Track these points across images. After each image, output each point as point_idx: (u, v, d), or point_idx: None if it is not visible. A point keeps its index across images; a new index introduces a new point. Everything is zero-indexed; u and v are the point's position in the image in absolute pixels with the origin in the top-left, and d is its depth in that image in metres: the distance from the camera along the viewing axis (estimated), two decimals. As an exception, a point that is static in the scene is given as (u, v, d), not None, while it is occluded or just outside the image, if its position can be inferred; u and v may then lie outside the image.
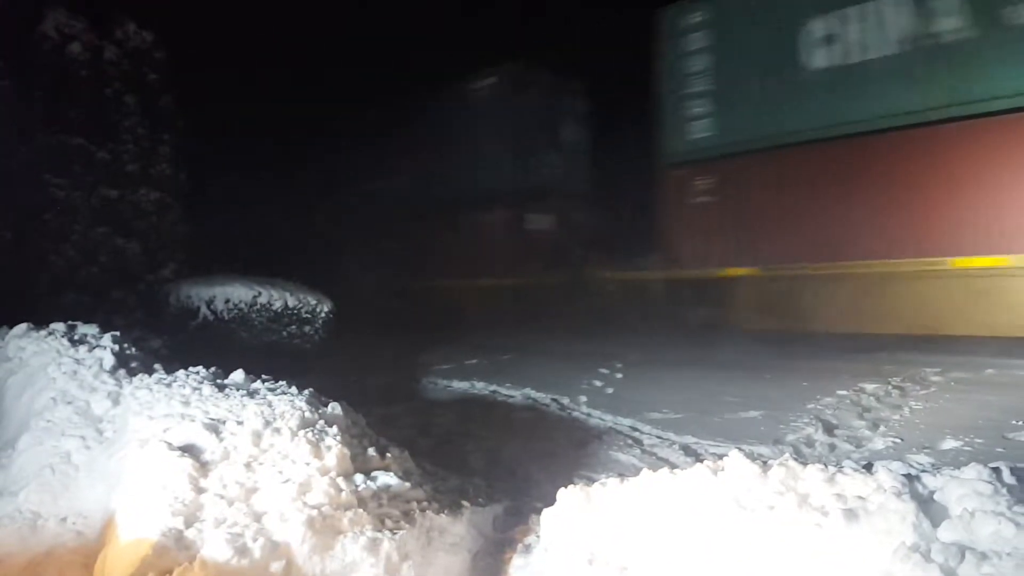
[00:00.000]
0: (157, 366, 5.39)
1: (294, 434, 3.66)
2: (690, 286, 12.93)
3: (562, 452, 5.66)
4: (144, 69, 10.77)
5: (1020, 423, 5.81)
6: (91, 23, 10.20)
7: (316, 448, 3.57)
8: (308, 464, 3.45)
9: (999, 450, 5.21)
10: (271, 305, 9.64)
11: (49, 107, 9.73)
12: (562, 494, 3.50)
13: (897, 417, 6.41)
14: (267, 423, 3.78)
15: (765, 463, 3.30)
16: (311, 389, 4.80)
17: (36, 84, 9.74)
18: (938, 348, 9.71)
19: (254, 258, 12.17)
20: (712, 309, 12.53)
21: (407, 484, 3.69)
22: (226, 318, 9.42)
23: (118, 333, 6.12)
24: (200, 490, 3.22)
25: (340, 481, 3.38)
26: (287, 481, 3.30)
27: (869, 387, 7.48)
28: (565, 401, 7.63)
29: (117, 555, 2.98)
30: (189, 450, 3.50)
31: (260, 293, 9.61)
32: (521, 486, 4.82)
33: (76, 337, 5.92)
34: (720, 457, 3.49)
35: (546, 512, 3.54)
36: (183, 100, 11.34)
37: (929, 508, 2.75)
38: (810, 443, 5.70)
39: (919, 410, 6.61)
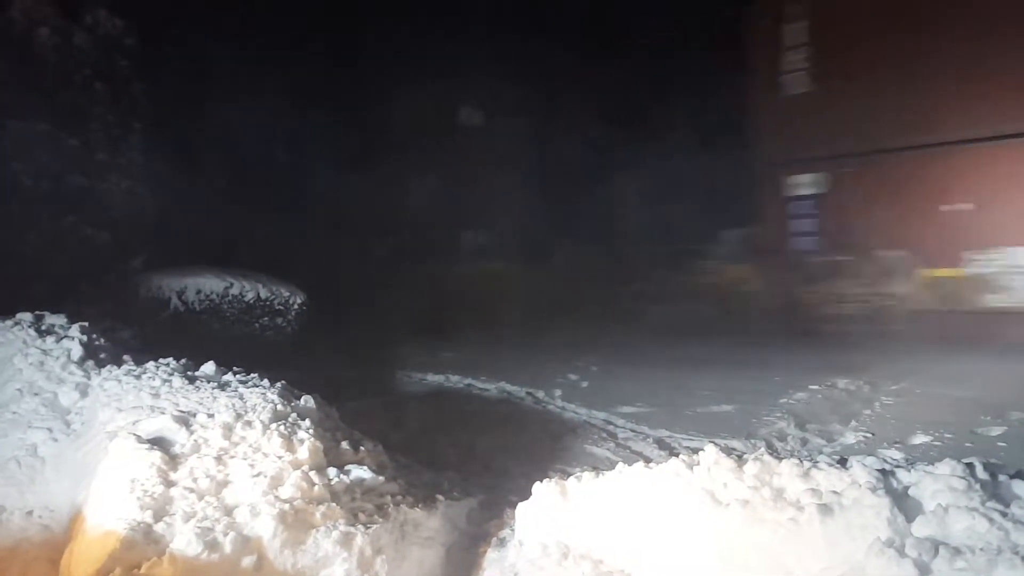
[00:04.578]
0: (126, 357, 5.30)
1: (266, 427, 3.62)
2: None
3: (537, 445, 5.65)
4: (114, 55, 10.59)
5: (988, 418, 5.88)
6: (60, 8, 10.01)
7: (288, 441, 3.53)
8: (280, 457, 3.41)
9: (968, 445, 5.28)
10: (243, 296, 9.54)
11: (16, 93, 9.54)
12: (537, 488, 3.49)
13: (868, 412, 6.47)
14: (238, 416, 3.73)
15: (740, 457, 3.30)
16: (283, 382, 4.75)
17: (3, 70, 9.55)
18: (909, 345, 9.82)
19: (227, 249, 12.03)
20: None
21: (381, 478, 3.66)
22: (197, 309, 9.32)
23: (87, 324, 6.00)
24: (170, 483, 3.17)
25: (313, 475, 3.34)
26: (259, 475, 3.26)
27: (841, 382, 7.54)
28: (540, 395, 7.62)
29: (84, 549, 2.93)
30: (158, 443, 3.45)
31: (232, 284, 9.51)
32: (496, 480, 4.80)
33: (43, 327, 5.80)
34: (694, 451, 3.50)
35: (521, 506, 3.53)
36: (154, 87, 11.17)
37: (904, 503, 2.77)
38: (782, 437, 5.74)
39: (890, 405, 6.67)
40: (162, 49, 11.89)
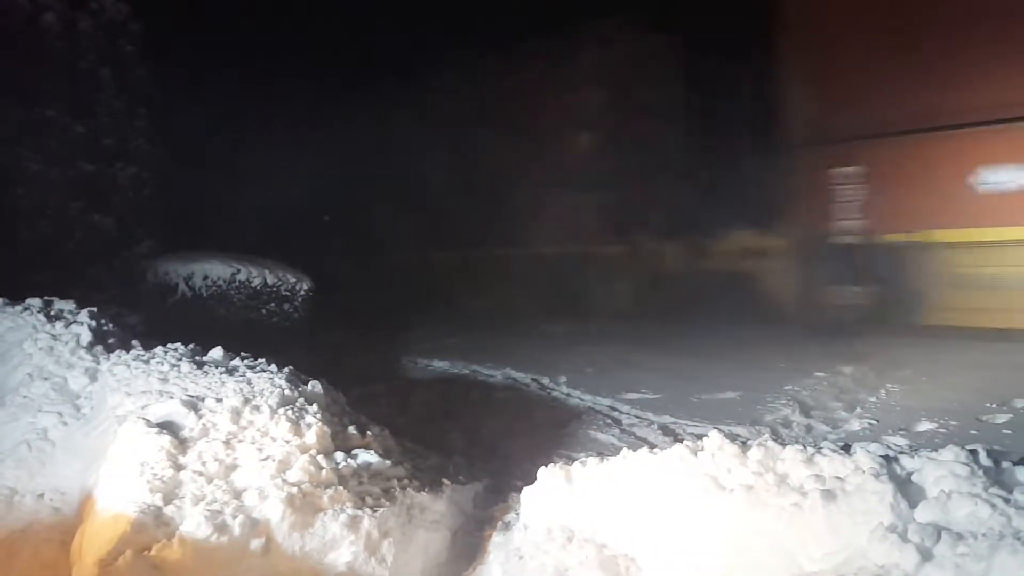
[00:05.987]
0: (135, 342, 5.34)
1: (274, 412, 3.64)
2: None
3: (541, 431, 5.68)
4: (120, 41, 10.59)
5: (993, 406, 5.88)
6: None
7: (296, 426, 3.55)
8: (288, 442, 3.44)
9: (973, 432, 5.28)
10: (250, 282, 9.58)
11: (22, 80, 9.55)
12: (542, 472, 3.51)
13: (874, 399, 6.47)
14: (246, 400, 3.75)
15: (744, 443, 3.32)
16: (291, 367, 4.77)
17: (9, 56, 9.55)
18: (915, 331, 9.80)
19: (234, 234, 12.07)
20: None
21: (387, 462, 3.68)
22: (204, 295, 9.36)
23: (95, 309, 6.04)
24: (179, 467, 3.20)
25: (320, 459, 3.37)
26: (267, 459, 3.28)
27: (846, 369, 7.54)
28: (545, 381, 7.64)
29: (95, 532, 2.96)
30: (167, 427, 3.47)
31: (239, 270, 9.55)
32: (501, 464, 4.83)
33: (52, 313, 5.84)
34: (698, 437, 3.52)
35: (526, 490, 3.56)
36: (160, 72, 11.17)
37: (907, 489, 2.79)
38: (787, 424, 5.75)
39: (895, 392, 6.67)
40: (168, 32, 11.88)
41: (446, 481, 3.88)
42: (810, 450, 3.13)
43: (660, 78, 14.62)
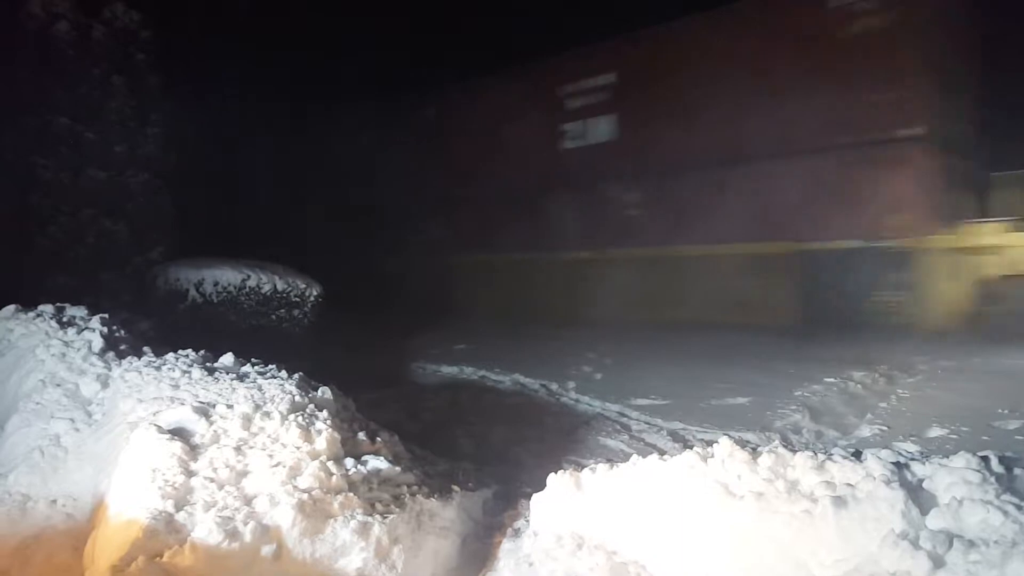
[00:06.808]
0: (146, 349, 5.37)
1: (284, 418, 3.65)
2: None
3: (551, 437, 5.67)
4: (132, 49, 10.66)
5: (1005, 412, 5.85)
6: (78, 2, 10.09)
7: (306, 432, 3.57)
8: (298, 448, 3.45)
9: (984, 438, 5.25)
10: (260, 288, 9.59)
11: (35, 87, 9.63)
12: (552, 479, 3.52)
13: (884, 405, 6.45)
14: (257, 407, 3.77)
15: (754, 450, 3.32)
16: (301, 373, 4.79)
17: (22, 64, 9.63)
18: (925, 338, 9.77)
19: (244, 241, 12.10)
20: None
21: (397, 468, 3.69)
22: (215, 301, 9.38)
23: (107, 315, 6.08)
24: (190, 473, 3.21)
25: (330, 465, 3.38)
26: (277, 465, 3.29)
27: (856, 375, 7.52)
28: (554, 387, 7.63)
29: (107, 538, 2.97)
30: (179, 433, 3.49)
31: (249, 276, 9.56)
32: (510, 471, 4.83)
33: (64, 319, 5.88)
34: (708, 443, 3.51)
35: (535, 497, 3.56)
36: (172, 80, 11.24)
37: (918, 496, 2.78)
38: (797, 430, 5.73)
39: (906, 398, 6.65)
40: (179, 40, 11.95)
41: (456, 487, 3.88)
42: (821, 456, 3.12)
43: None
